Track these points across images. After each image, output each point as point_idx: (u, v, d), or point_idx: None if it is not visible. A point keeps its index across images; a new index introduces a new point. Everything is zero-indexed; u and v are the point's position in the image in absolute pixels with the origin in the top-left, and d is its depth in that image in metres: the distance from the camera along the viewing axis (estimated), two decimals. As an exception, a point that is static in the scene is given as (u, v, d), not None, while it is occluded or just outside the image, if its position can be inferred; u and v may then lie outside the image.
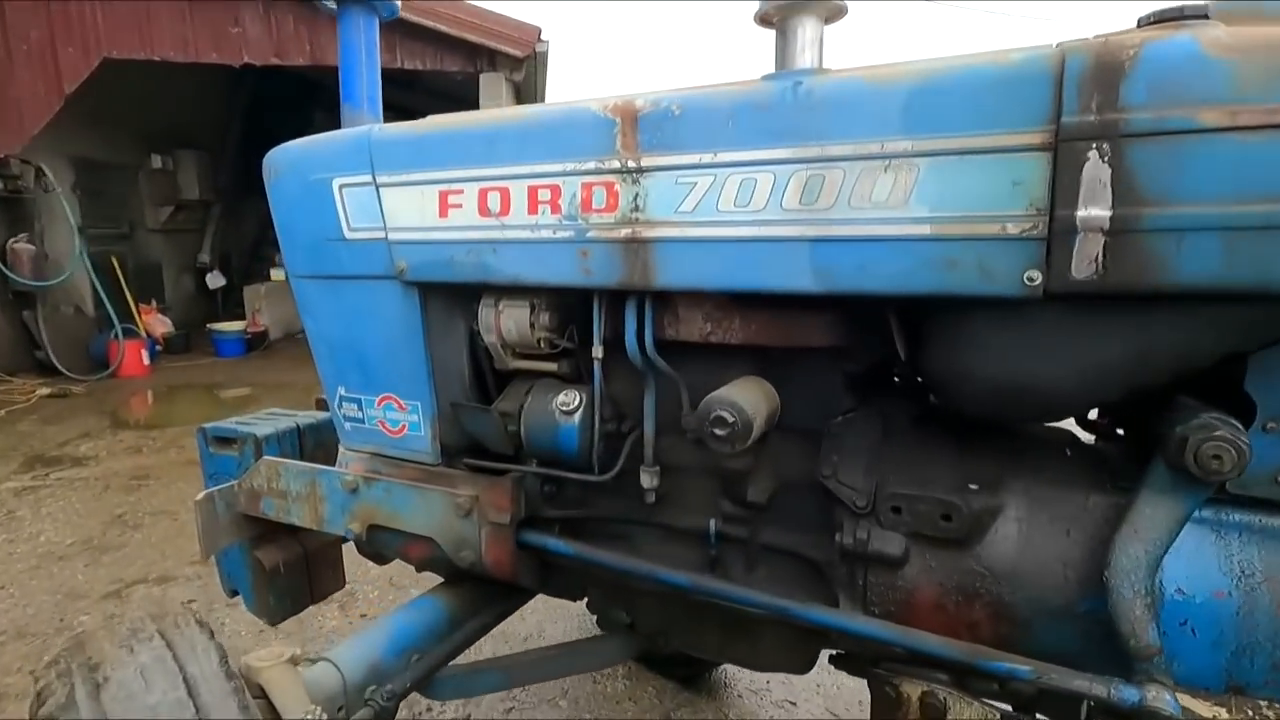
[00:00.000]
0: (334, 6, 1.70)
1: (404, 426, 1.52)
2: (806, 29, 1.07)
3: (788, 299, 1.14)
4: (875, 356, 1.20)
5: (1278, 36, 0.79)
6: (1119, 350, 0.93)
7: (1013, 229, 0.90)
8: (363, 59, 1.67)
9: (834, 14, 1.09)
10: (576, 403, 1.28)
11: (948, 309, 1.01)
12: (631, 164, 1.13)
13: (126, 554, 3.40)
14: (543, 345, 1.35)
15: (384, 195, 1.38)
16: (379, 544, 1.57)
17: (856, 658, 1.30)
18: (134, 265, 9.68)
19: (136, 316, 8.93)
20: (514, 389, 1.45)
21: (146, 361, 8.26)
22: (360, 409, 1.57)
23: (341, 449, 1.66)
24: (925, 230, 0.95)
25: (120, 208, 9.75)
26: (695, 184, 1.08)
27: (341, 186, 1.43)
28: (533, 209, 1.23)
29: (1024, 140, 0.88)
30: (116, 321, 8.03)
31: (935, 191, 0.94)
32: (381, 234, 1.40)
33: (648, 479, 1.32)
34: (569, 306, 1.37)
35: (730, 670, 2.42)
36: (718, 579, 1.25)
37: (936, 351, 1.05)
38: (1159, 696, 0.90)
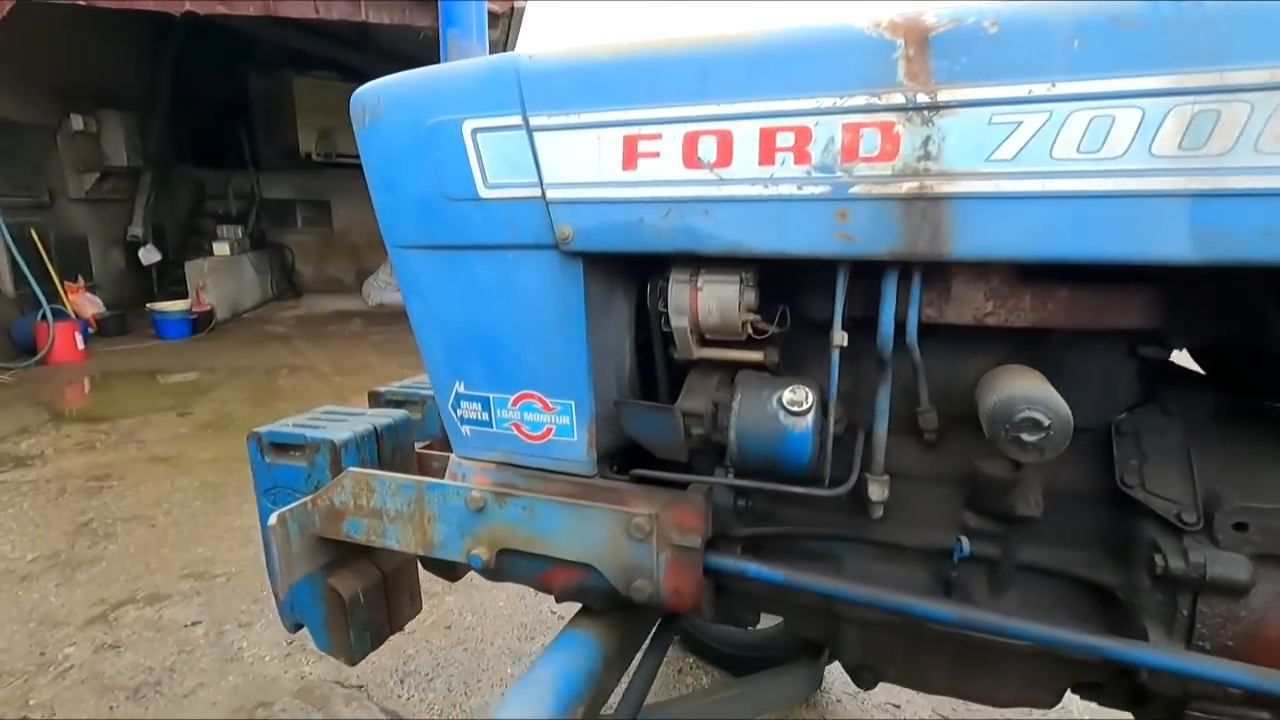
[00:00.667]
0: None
1: (548, 431, 1.24)
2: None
3: (1098, 270, 0.92)
4: (1200, 339, 1.00)
5: None
6: None
7: None
8: (470, -24, 1.35)
9: None
10: (809, 401, 1.04)
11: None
12: (923, 98, 0.88)
13: (104, 569, 2.98)
14: (747, 330, 1.09)
15: (540, 142, 1.09)
16: (509, 571, 1.30)
17: (1113, 690, 1.12)
18: (56, 239, 8.73)
19: (63, 296, 8.08)
20: (698, 383, 1.19)
21: (80, 346, 7.50)
22: (486, 410, 1.28)
23: (453, 458, 1.37)
24: (1373, 180, 0.74)
25: (38, 174, 8.76)
26: (1020, 124, 0.84)
27: (476, 131, 1.13)
28: (767, 158, 0.96)
29: None
30: (44, 301, 7.23)
31: (1392, 130, 0.73)
32: (535, 191, 1.11)
33: (877, 490, 1.10)
34: (781, 282, 1.12)
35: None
36: (980, 608, 1.04)
37: None
38: None
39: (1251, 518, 0.92)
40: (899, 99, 0.89)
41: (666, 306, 1.12)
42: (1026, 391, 0.90)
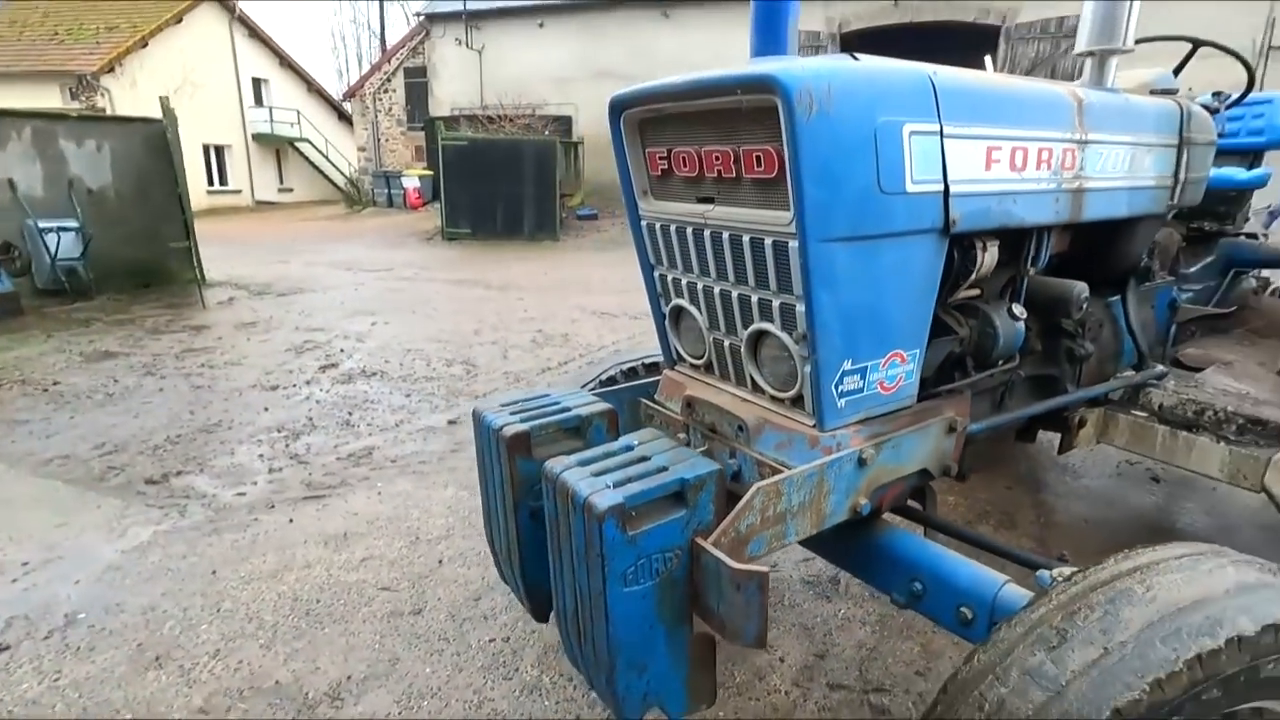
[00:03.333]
0: None
1: (900, 378, 1.52)
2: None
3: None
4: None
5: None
6: None
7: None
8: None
9: None
10: (1025, 313, 1.72)
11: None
12: (1080, 137, 1.66)
13: None
14: (989, 275, 1.68)
15: (948, 146, 1.38)
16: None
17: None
18: None
19: None
20: (952, 318, 1.68)
21: None
22: (862, 377, 1.44)
23: (820, 435, 1.43)
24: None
25: None
26: (1103, 154, 1.73)
27: (912, 133, 1.31)
28: (1039, 165, 1.58)
29: (1171, 141, 1.96)
30: None
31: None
32: (940, 186, 1.39)
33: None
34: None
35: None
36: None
37: None
38: None
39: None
40: (1077, 136, 1.65)
41: (975, 265, 1.58)
42: (1079, 285, 1.84)
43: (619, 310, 7.92)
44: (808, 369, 1.40)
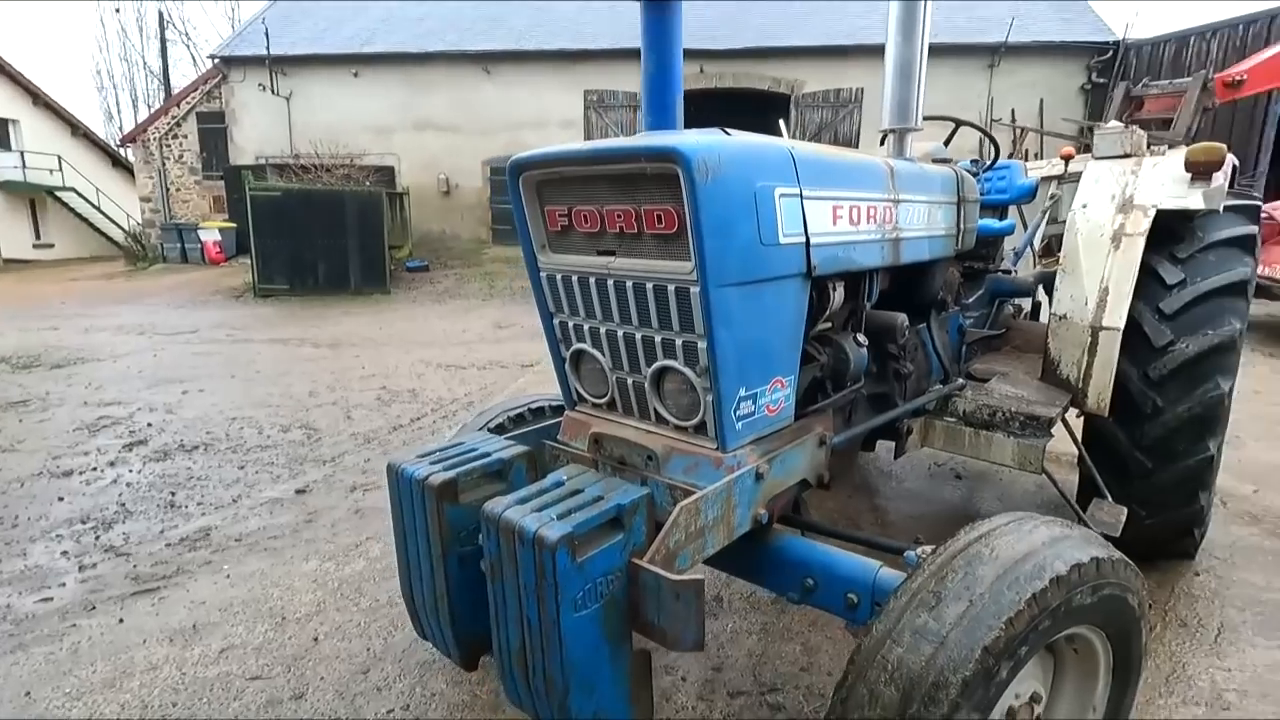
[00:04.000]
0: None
1: (781, 402, 1.76)
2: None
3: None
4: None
5: None
6: None
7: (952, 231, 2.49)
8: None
9: None
10: (865, 340, 2.05)
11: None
12: (895, 197, 2.06)
13: None
14: (838, 310, 1.99)
15: (807, 206, 1.66)
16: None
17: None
18: None
19: None
20: (811, 347, 1.96)
21: None
22: (754, 402, 1.66)
23: (724, 456, 1.61)
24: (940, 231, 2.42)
25: None
26: (912, 211, 2.15)
27: (781, 195, 1.57)
28: (868, 220, 1.93)
29: (953, 199, 2.47)
30: None
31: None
32: (802, 239, 1.67)
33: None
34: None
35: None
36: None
37: None
38: None
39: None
40: (892, 196, 2.04)
41: (829, 302, 1.87)
42: (900, 316, 2.24)
43: (466, 362, 7.79)
44: (710, 398, 1.59)
